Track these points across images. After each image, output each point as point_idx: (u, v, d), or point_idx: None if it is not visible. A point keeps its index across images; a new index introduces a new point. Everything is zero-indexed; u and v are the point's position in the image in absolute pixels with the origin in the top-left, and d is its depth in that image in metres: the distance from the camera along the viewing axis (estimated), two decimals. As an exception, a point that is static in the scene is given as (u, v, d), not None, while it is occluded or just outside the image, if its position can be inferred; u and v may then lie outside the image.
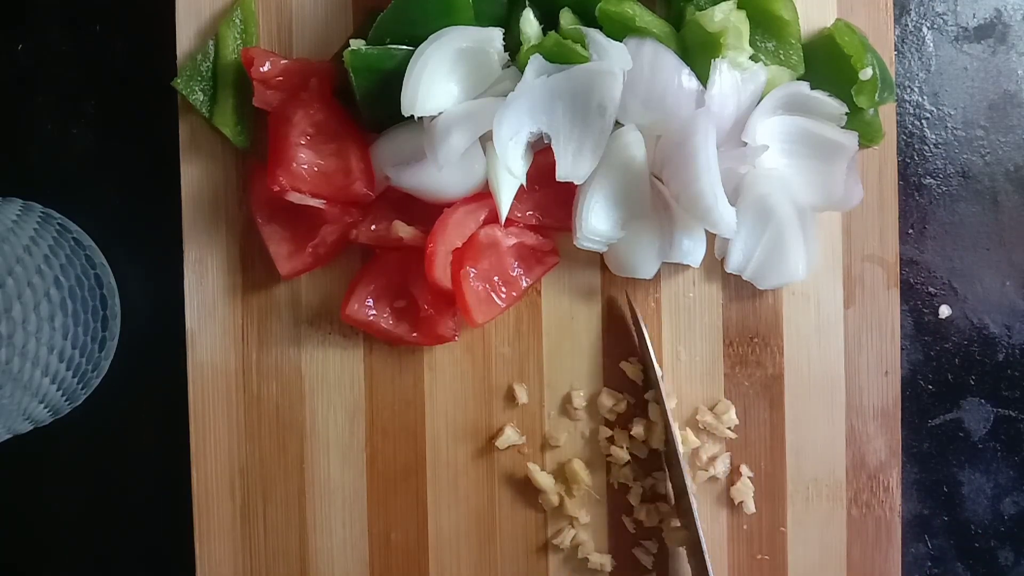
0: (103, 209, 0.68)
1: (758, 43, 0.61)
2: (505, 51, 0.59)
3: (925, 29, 0.68)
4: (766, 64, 0.60)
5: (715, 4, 0.58)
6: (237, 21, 0.63)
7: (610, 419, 0.64)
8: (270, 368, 0.64)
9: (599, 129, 0.59)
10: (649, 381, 0.63)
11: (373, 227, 0.62)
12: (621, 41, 0.59)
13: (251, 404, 0.64)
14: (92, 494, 0.69)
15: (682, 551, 0.64)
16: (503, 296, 0.63)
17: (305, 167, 0.61)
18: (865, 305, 0.64)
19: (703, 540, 0.60)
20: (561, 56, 0.58)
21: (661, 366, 0.64)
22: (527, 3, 0.60)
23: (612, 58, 0.57)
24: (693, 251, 0.61)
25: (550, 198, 0.62)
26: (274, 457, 0.64)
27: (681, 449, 0.62)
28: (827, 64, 0.61)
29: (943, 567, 0.68)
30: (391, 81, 0.58)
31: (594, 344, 0.64)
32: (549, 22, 0.60)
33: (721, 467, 0.64)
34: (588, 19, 0.60)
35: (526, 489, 0.64)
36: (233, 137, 0.63)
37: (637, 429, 0.63)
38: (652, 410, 0.63)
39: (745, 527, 0.64)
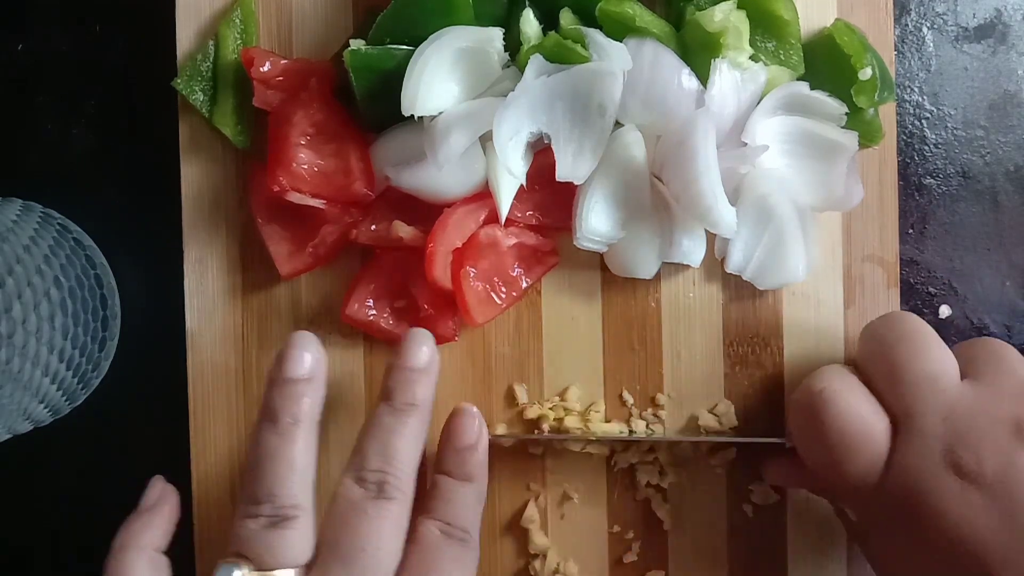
0: (103, 209, 0.68)
1: (758, 43, 0.61)
2: (505, 51, 0.59)
3: (925, 29, 0.68)
4: (766, 64, 0.60)
5: (715, 4, 0.58)
6: (237, 21, 0.63)
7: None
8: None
9: (599, 129, 0.59)
10: None
11: (373, 227, 0.62)
12: (621, 41, 0.59)
13: (251, 404, 0.64)
14: (92, 494, 0.69)
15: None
16: (503, 296, 0.63)
17: (305, 167, 0.61)
18: (865, 305, 0.64)
19: None
20: (561, 56, 0.58)
21: (661, 366, 0.64)
22: (527, 3, 0.60)
23: (612, 58, 0.57)
24: (693, 251, 0.61)
25: (550, 198, 0.62)
26: (274, 457, 0.64)
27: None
28: (827, 64, 0.61)
29: (943, 567, 0.68)
30: (391, 81, 0.58)
31: (594, 344, 0.64)
32: (549, 22, 0.60)
33: (721, 461, 0.64)
34: (588, 19, 0.60)
35: (526, 489, 0.64)
36: (233, 137, 0.63)
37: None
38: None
39: (745, 526, 0.64)
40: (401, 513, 0.53)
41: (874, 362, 0.55)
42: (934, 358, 0.54)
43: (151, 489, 0.58)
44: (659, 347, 0.64)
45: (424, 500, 0.56)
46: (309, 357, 0.54)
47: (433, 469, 0.58)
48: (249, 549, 0.51)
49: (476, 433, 0.58)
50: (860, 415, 0.53)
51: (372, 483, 0.52)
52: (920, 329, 0.55)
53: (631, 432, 0.63)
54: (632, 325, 0.64)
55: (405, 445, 0.54)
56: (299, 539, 0.51)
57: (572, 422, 0.63)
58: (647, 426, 0.64)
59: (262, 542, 0.50)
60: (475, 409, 0.59)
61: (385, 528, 0.52)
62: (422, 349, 0.56)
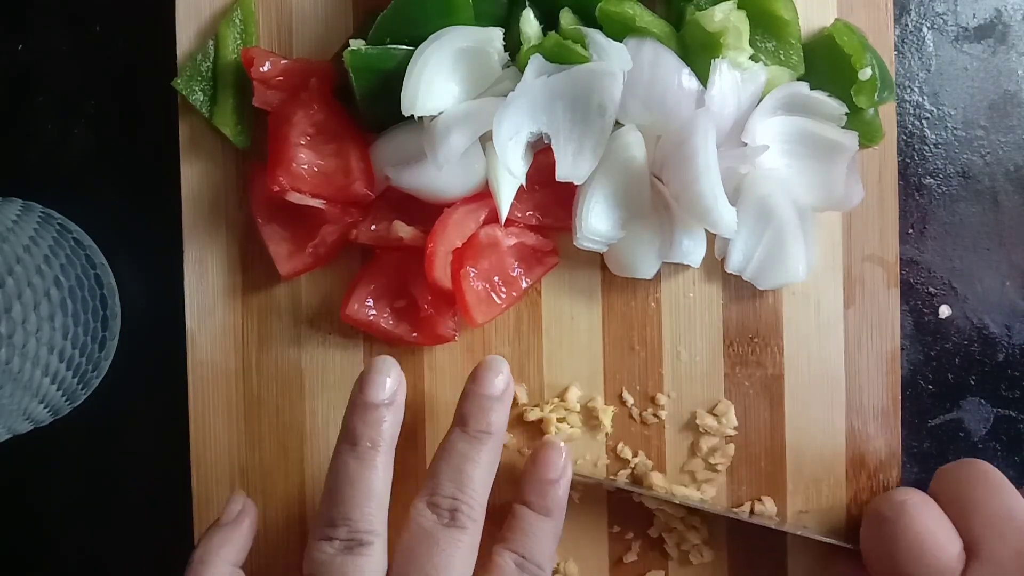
0: (103, 209, 0.68)
1: (758, 43, 0.61)
2: (505, 51, 0.59)
3: (925, 29, 0.68)
4: (766, 64, 0.60)
5: (715, 4, 0.58)
6: (237, 21, 0.63)
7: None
8: (270, 368, 0.64)
9: (599, 129, 0.59)
10: None
11: (373, 227, 0.62)
12: (621, 41, 0.59)
13: (251, 404, 0.64)
14: (92, 494, 0.69)
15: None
16: (503, 296, 0.63)
17: (305, 167, 0.61)
18: (865, 305, 0.64)
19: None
20: (561, 56, 0.58)
21: (661, 366, 0.64)
22: (527, 3, 0.60)
23: (612, 58, 0.57)
24: (693, 251, 0.61)
25: (550, 198, 0.62)
26: (274, 457, 0.64)
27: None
28: (827, 64, 0.61)
29: (943, 567, 0.68)
30: (391, 81, 0.58)
31: (594, 344, 0.64)
32: (549, 22, 0.60)
33: (721, 458, 0.64)
34: (588, 19, 0.60)
35: (526, 489, 0.65)
36: (233, 137, 0.63)
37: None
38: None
39: (745, 526, 0.64)
40: (472, 542, 0.54)
41: (949, 497, 0.56)
42: (1009, 495, 0.54)
43: (232, 503, 0.58)
44: (659, 347, 0.64)
45: (503, 529, 0.57)
46: (390, 382, 0.55)
47: (515, 498, 0.58)
48: (323, 573, 0.52)
49: (561, 468, 0.58)
50: (938, 530, 0.54)
51: (445, 509, 0.53)
52: (995, 471, 0.56)
53: (703, 500, 0.63)
54: (632, 325, 0.64)
55: (479, 472, 0.55)
56: (373, 565, 0.52)
57: (656, 476, 0.63)
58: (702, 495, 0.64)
59: (337, 567, 0.51)
60: (563, 444, 0.60)
61: (456, 558, 0.53)
62: (499, 376, 0.57)
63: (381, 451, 0.53)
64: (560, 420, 0.63)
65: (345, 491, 0.52)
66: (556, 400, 0.64)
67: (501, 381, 0.57)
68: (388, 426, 0.54)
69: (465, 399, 0.57)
